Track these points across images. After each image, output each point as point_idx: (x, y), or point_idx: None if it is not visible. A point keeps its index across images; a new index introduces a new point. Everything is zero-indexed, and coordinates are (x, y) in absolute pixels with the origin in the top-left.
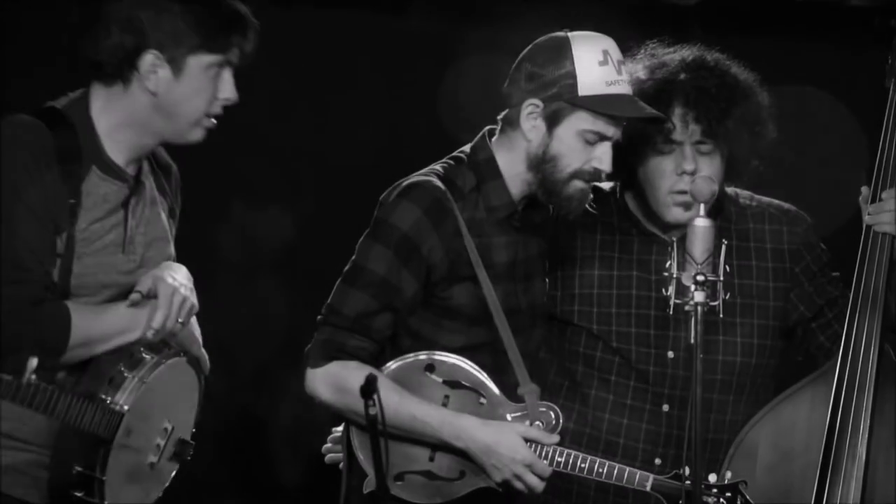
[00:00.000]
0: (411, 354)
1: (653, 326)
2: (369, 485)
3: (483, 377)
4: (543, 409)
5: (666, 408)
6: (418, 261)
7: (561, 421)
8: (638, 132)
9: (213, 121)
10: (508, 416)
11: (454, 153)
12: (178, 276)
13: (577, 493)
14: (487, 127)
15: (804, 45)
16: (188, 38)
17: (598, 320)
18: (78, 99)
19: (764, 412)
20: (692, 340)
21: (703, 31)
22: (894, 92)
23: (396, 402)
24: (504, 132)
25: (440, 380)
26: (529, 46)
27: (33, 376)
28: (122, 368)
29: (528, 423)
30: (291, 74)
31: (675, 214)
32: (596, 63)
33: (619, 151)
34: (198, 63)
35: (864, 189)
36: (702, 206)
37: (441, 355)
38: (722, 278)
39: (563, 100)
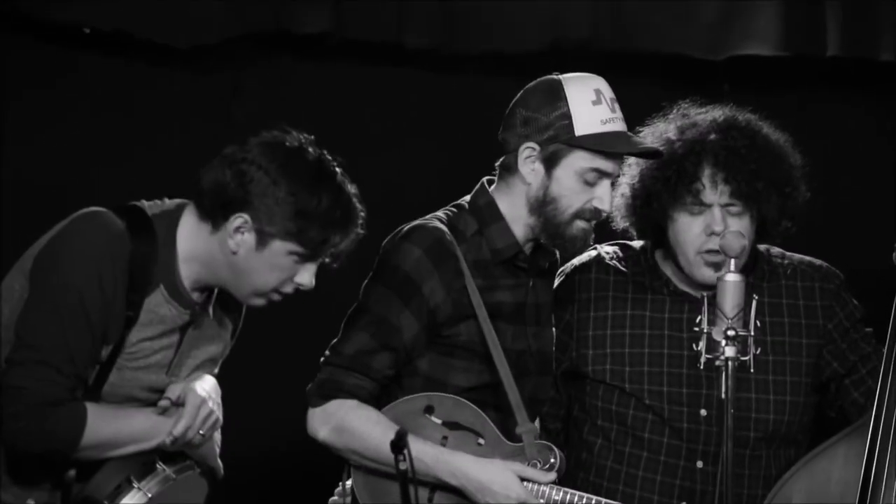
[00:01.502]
0: (411, 396)
1: (685, 385)
2: None
3: (483, 418)
4: (541, 449)
5: (700, 464)
6: (419, 301)
7: (559, 460)
8: (668, 192)
9: (279, 297)
10: (506, 457)
11: (453, 203)
12: (208, 388)
13: None
14: (485, 177)
15: (835, 101)
16: (283, 224)
17: (630, 379)
18: (170, 211)
19: (798, 467)
20: (723, 395)
21: (731, 86)
22: None
23: None
24: (502, 178)
25: (439, 421)
26: (521, 91)
27: None
28: (132, 477)
29: (525, 462)
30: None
31: (705, 275)
32: (590, 103)
33: (648, 211)
34: (284, 247)
35: None
36: (732, 262)
37: (440, 396)
38: (753, 333)
39: (559, 141)
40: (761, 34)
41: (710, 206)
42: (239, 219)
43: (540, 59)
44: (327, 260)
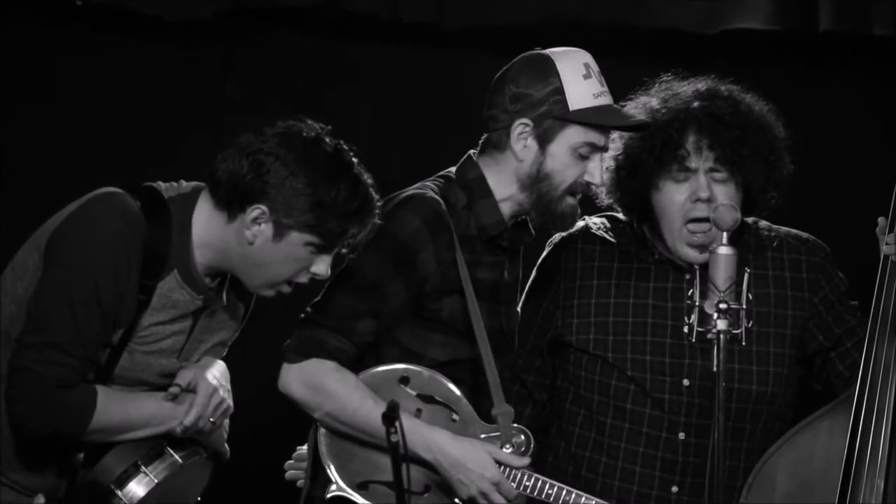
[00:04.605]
0: (388, 365)
1: (668, 354)
2: (332, 490)
3: (458, 394)
4: (515, 433)
5: (682, 436)
6: (411, 270)
7: (532, 445)
8: (653, 160)
9: (290, 288)
10: (480, 436)
11: (440, 173)
12: (218, 375)
13: None
14: (471, 150)
15: (827, 75)
16: (301, 216)
17: (613, 348)
18: (186, 195)
19: (783, 441)
20: (714, 368)
21: (725, 60)
22: None
23: (370, 407)
24: (489, 154)
25: (414, 393)
26: (507, 68)
27: None
28: (140, 462)
29: (499, 444)
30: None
31: (689, 255)
32: (581, 77)
33: (633, 182)
34: (301, 239)
35: (880, 220)
36: (724, 235)
37: (417, 368)
38: (745, 306)
39: (553, 117)
40: (754, 8)
41: (695, 171)
42: (256, 210)
43: (533, 34)
44: (344, 250)
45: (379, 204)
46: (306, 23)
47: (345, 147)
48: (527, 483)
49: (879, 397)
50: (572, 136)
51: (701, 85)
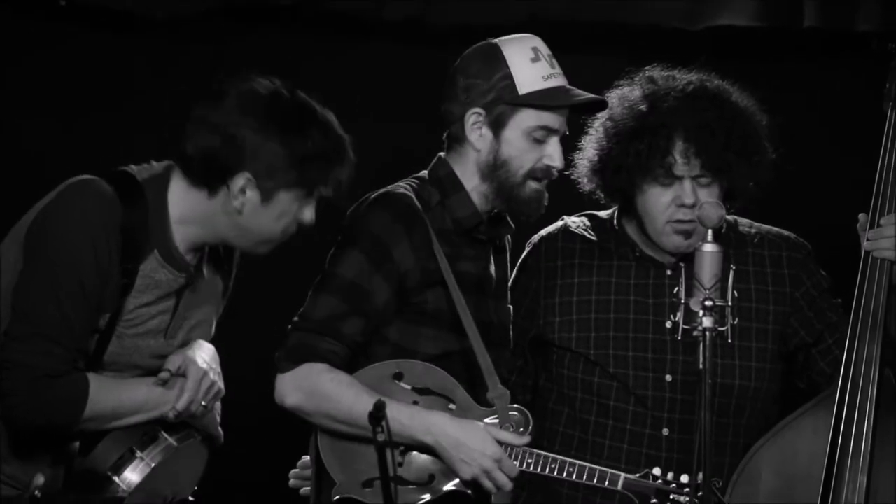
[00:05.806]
0: (379, 363)
1: (650, 350)
2: (338, 491)
3: (453, 383)
4: (514, 413)
5: (666, 432)
6: (390, 265)
7: (531, 423)
8: (638, 165)
9: (283, 239)
10: (480, 420)
11: (413, 175)
12: (208, 358)
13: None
14: (440, 152)
15: (812, 72)
16: (285, 174)
17: (595, 345)
18: (159, 175)
19: (766, 438)
20: (700, 366)
21: (708, 57)
22: (892, 116)
23: (366, 402)
24: (453, 149)
25: (409, 387)
26: (458, 61)
27: (38, 492)
28: (134, 447)
29: (498, 426)
30: None
31: (675, 242)
32: (528, 61)
33: (617, 180)
34: (289, 196)
35: (861, 216)
36: (709, 232)
37: (410, 362)
38: (731, 303)
39: (504, 102)
40: (738, 5)
41: (680, 178)
42: (241, 179)
43: (518, 32)
44: (332, 194)
45: (348, 137)
46: (291, 20)
47: (301, 94)
48: (529, 460)
49: (861, 393)
50: (525, 119)
51: (686, 83)
